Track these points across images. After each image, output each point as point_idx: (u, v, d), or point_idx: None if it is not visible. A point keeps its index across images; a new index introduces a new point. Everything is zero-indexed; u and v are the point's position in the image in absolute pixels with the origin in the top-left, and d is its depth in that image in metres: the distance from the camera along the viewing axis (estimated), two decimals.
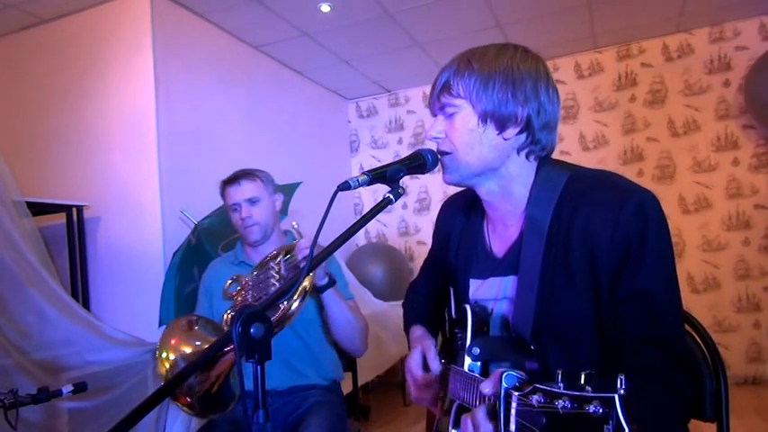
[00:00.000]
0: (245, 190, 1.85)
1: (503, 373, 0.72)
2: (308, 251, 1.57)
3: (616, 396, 0.58)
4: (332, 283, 1.69)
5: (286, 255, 1.71)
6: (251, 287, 1.73)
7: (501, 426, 0.70)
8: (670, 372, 0.87)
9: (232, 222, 1.92)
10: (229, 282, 1.84)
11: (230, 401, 1.54)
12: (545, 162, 1.04)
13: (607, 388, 0.59)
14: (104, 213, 2.97)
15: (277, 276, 1.66)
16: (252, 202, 1.86)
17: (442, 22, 3.57)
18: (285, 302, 1.57)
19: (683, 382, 0.88)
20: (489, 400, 0.78)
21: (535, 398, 0.65)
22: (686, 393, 0.88)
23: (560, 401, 0.61)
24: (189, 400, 1.49)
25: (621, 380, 0.59)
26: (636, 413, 0.58)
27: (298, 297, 1.57)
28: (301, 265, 1.59)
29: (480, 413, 0.77)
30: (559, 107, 1.04)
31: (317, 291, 1.69)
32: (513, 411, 0.68)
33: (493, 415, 0.75)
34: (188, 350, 1.54)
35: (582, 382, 0.61)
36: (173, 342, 1.57)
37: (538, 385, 0.65)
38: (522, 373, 0.72)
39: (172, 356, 1.54)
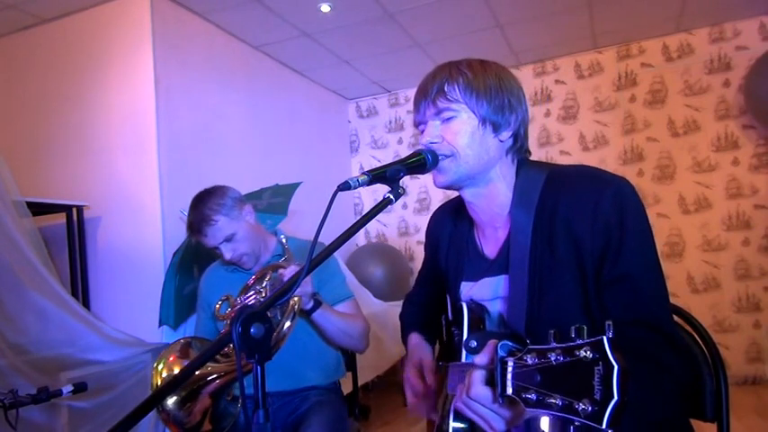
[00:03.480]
0: (214, 236, 1.74)
1: (498, 342, 0.74)
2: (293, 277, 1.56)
3: (604, 338, 0.60)
4: (318, 304, 1.66)
5: (274, 272, 1.71)
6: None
7: (498, 390, 0.71)
8: (659, 351, 0.88)
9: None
10: (219, 303, 1.81)
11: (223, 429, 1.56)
12: (522, 163, 1.09)
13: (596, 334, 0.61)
14: (104, 213, 2.97)
15: None
16: (228, 240, 1.75)
17: (442, 22, 3.57)
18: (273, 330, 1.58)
19: (672, 362, 0.88)
20: (487, 367, 0.79)
21: (529, 357, 0.67)
22: (676, 372, 0.89)
23: (552, 355, 0.64)
24: (178, 430, 1.50)
25: (609, 325, 0.61)
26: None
27: (287, 317, 1.58)
28: (291, 293, 1.58)
29: (475, 375, 0.78)
30: (529, 117, 1.12)
31: (305, 314, 1.66)
32: (509, 375, 0.70)
33: (488, 381, 0.76)
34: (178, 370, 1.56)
35: (573, 335, 0.63)
36: (171, 359, 1.58)
37: (531, 346, 0.68)
38: (515, 343, 0.73)
39: (165, 374, 1.56)
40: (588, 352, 0.60)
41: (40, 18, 3.15)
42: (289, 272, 1.58)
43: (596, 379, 0.59)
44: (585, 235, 0.93)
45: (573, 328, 0.63)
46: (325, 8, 3.29)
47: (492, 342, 0.76)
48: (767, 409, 3.29)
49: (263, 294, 1.67)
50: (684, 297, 3.94)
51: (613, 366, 0.58)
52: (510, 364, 0.70)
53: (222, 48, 3.49)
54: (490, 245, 1.11)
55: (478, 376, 0.78)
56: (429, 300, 1.36)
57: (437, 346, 1.30)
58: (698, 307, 3.87)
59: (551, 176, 1.03)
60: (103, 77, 3.02)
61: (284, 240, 1.77)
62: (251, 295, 1.72)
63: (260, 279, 1.74)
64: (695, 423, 1.02)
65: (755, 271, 3.83)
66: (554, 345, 0.64)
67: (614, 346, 0.59)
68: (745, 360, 3.81)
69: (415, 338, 1.29)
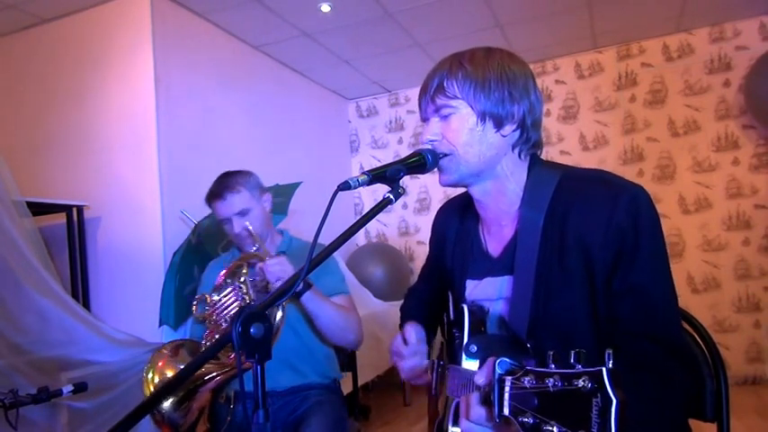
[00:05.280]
0: (232, 204, 1.78)
1: (496, 360, 0.72)
2: (279, 273, 1.57)
3: (604, 369, 0.58)
4: (307, 286, 1.65)
5: (249, 266, 1.69)
6: (219, 310, 1.69)
7: (495, 410, 0.70)
8: (666, 365, 0.87)
9: (226, 232, 1.87)
10: (195, 303, 1.79)
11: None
12: (536, 162, 1.06)
13: (597, 365, 0.60)
14: (104, 213, 2.97)
15: (246, 299, 1.64)
16: (242, 214, 1.79)
17: (442, 22, 3.57)
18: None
19: (679, 376, 0.88)
20: (484, 389, 0.78)
21: (527, 379, 0.66)
22: (683, 386, 0.88)
23: (550, 380, 0.62)
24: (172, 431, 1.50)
25: (609, 354, 0.59)
26: (632, 407, 0.58)
27: (277, 309, 1.58)
28: (272, 286, 1.59)
29: (473, 397, 0.78)
30: (543, 107, 1.07)
31: (294, 297, 1.64)
32: (506, 395, 0.69)
33: (485, 400, 0.76)
34: (170, 374, 1.55)
35: (572, 360, 0.62)
36: (160, 364, 1.57)
37: (529, 367, 0.66)
38: (515, 361, 0.72)
39: (157, 379, 1.55)
40: (587, 382, 0.59)
41: (40, 18, 3.15)
42: (269, 264, 1.58)
43: (594, 411, 0.58)
44: (597, 243, 0.91)
45: (573, 352, 0.62)
46: (325, 8, 3.29)
47: (490, 360, 0.75)
48: (767, 409, 3.29)
49: (244, 291, 1.65)
50: (684, 297, 3.94)
51: (612, 401, 0.57)
52: (507, 384, 0.69)
53: (222, 48, 3.49)
54: (494, 242, 1.09)
55: (476, 399, 0.77)
56: (432, 296, 1.35)
57: (436, 342, 1.30)
58: (698, 307, 3.87)
59: (565, 179, 1.00)
60: (103, 77, 3.02)
61: (251, 228, 1.75)
62: (230, 292, 1.69)
63: (234, 273, 1.73)
64: (695, 423, 1.02)
65: (755, 271, 3.83)
66: (552, 369, 0.63)
67: (614, 379, 0.58)
68: (745, 360, 3.80)
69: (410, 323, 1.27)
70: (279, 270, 1.59)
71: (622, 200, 0.91)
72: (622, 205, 0.91)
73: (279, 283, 1.57)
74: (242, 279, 1.67)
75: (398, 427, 3.44)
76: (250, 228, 1.75)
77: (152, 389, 1.54)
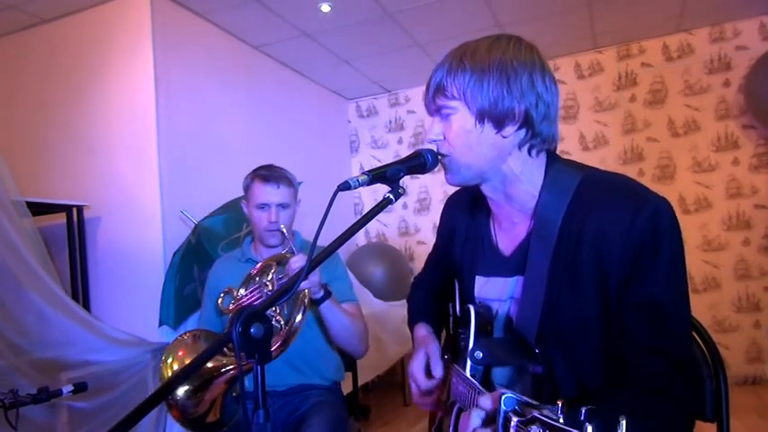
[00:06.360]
0: (282, 194, 1.84)
1: (502, 394, 0.71)
2: (299, 268, 1.58)
3: None
4: (327, 294, 1.68)
5: (278, 265, 1.71)
6: (243, 304, 1.71)
7: None
8: (673, 382, 0.86)
9: (252, 218, 1.88)
10: (222, 295, 1.81)
11: (226, 424, 1.56)
12: (554, 160, 1.02)
13: (608, 427, 0.58)
14: (104, 213, 2.97)
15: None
16: (282, 207, 1.84)
17: (442, 22, 3.57)
18: (285, 324, 1.59)
19: (685, 393, 0.87)
20: (488, 413, 0.77)
21: (534, 428, 0.63)
22: (688, 404, 0.88)
23: None
24: (182, 417, 1.50)
25: (622, 425, 0.58)
26: (636, 424, 0.57)
27: (298, 311, 1.59)
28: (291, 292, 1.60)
29: (475, 419, 0.77)
30: (558, 96, 1.00)
31: (313, 304, 1.68)
32: None
33: (490, 420, 0.75)
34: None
35: (582, 418, 0.59)
36: (180, 354, 1.58)
37: (536, 414, 0.64)
38: (521, 395, 0.71)
39: (176, 366, 1.55)
40: None
41: (40, 18, 3.15)
42: (295, 260, 1.59)
43: None
44: (614, 253, 0.88)
45: (584, 409, 0.60)
46: (325, 8, 3.29)
47: (497, 393, 0.73)
48: (767, 409, 3.29)
49: (270, 288, 1.67)
50: None
51: None
52: (512, 425, 0.67)
53: (222, 48, 3.49)
54: (506, 240, 1.06)
55: (479, 419, 0.76)
56: (439, 286, 1.33)
57: (443, 334, 1.29)
58: (698, 307, 3.84)
59: (586, 182, 0.97)
60: (103, 77, 3.02)
61: (284, 229, 1.80)
62: (255, 289, 1.71)
63: (263, 271, 1.74)
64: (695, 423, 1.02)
65: (755, 271, 3.83)
66: (562, 425, 0.61)
67: None
68: (745, 360, 3.81)
69: (422, 330, 1.24)
70: (299, 266, 1.60)
71: (645, 212, 0.88)
72: (644, 217, 0.88)
73: (304, 284, 1.57)
74: (269, 277, 1.69)
75: (398, 427, 3.44)
76: (284, 229, 1.78)
77: (170, 373, 1.55)
